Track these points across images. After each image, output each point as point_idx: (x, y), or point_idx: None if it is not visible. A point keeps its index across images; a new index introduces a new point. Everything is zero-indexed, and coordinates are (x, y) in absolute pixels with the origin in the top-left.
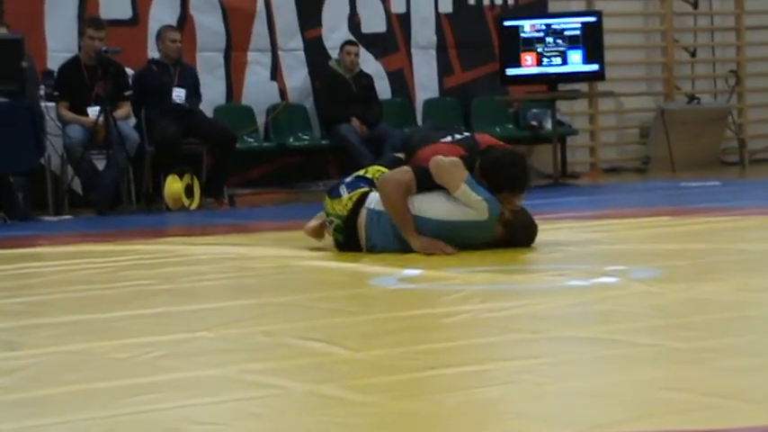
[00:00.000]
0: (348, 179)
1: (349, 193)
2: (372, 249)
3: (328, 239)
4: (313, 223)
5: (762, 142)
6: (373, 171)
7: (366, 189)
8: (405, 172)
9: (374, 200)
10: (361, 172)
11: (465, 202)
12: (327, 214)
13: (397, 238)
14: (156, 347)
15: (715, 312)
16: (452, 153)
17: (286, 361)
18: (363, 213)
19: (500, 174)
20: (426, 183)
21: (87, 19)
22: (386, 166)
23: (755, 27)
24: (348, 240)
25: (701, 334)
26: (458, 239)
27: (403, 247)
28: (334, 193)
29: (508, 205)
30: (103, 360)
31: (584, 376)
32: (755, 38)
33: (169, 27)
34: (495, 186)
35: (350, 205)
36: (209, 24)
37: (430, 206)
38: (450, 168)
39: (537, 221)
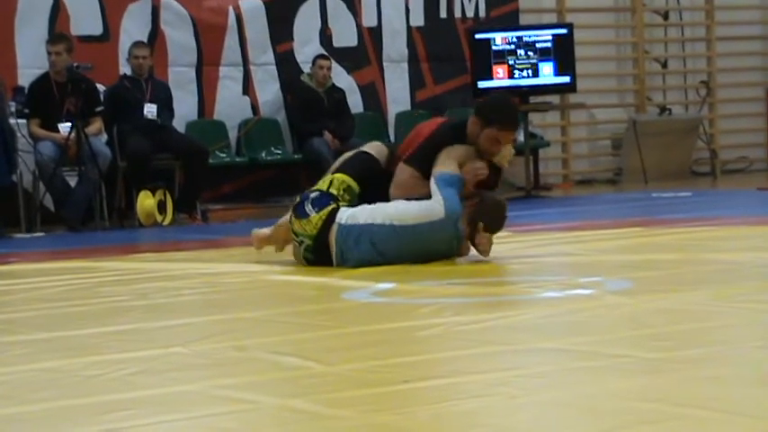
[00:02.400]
0: (312, 195)
1: (317, 212)
2: (343, 263)
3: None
4: (263, 231)
5: (733, 152)
6: (338, 184)
7: (334, 206)
8: (402, 171)
9: (344, 215)
10: (323, 186)
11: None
12: (296, 235)
13: (372, 251)
14: (128, 364)
15: (687, 323)
16: (432, 124)
17: (258, 376)
18: (334, 229)
19: (490, 106)
20: (429, 158)
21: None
22: (351, 175)
23: (726, 38)
24: (318, 258)
25: (674, 344)
26: (420, 244)
27: (377, 261)
28: (301, 213)
29: (495, 146)
30: (76, 377)
31: (558, 388)
32: (726, 48)
33: (136, 43)
34: (485, 120)
35: (320, 224)
36: (180, 39)
37: (385, 212)
38: (445, 155)
39: (510, 232)
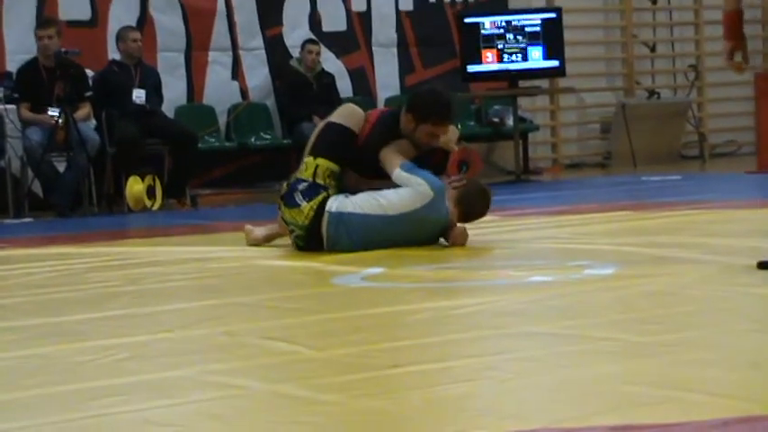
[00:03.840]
0: (301, 186)
1: (308, 201)
2: (334, 249)
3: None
4: (260, 232)
5: (721, 136)
6: (323, 173)
7: (325, 194)
8: (349, 176)
9: (334, 204)
10: (307, 174)
11: (406, 185)
12: (287, 222)
13: (365, 238)
14: (118, 350)
15: (675, 306)
16: (374, 115)
17: (248, 361)
18: (325, 218)
19: (421, 102)
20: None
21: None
22: (330, 158)
23: (714, 21)
24: (309, 246)
25: (661, 328)
26: (418, 231)
27: (368, 248)
28: (291, 203)
29: (433, 140)
30: (65, 363)
31: (546, 372)
32: (714, 32)
33: (129, 27)
34: (418, 117)
35: (311, 214)
36: (169, 24)
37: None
38: (388, 154)
39: (499, 217)
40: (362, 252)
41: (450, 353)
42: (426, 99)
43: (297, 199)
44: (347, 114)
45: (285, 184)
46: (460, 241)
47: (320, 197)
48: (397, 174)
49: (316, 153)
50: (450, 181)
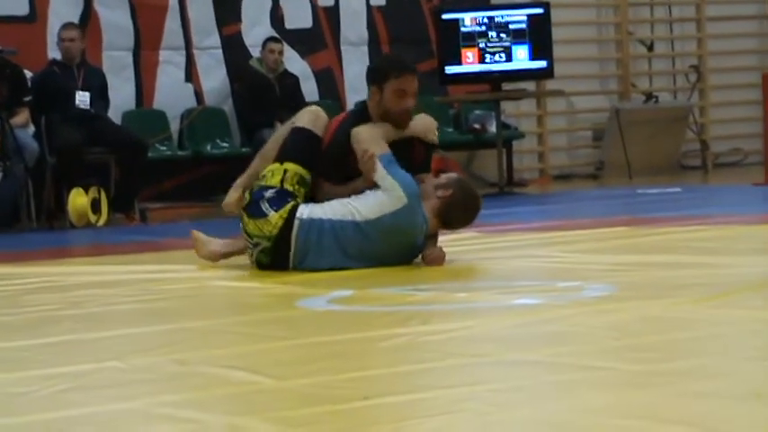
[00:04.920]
0: (268, 193)
1: (276, 210)
2: (300, 264)
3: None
4: (218, 246)
5: (725, 144)
6: (291, 178)
7: (294, 203)
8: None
9: (306, 210)
10: (275, 180)
11: (380, 184)
12: (250, 237)
13: (335, 250)
14: (60, 380)
15: (672, 332)
16: (335, 120)
17: (203, 392)
18: (295, 225)
19: (375, 67)
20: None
21: None
22: (300, 162)
23: (718, 18)
24: (274, 261)
25: (657, 356)
26: (390, 242)
27: (338, 265)
28: (257, 213)
29: (403, 99)
30: (1, 395)
31: (531, 404)
32: (718, 29)
33: (66, 25)
34: (379, 79)
35: (281, 223)
36: (115, 20)
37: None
38: (362, 134)
39: (480, 233)
40: (330, 272)
41: (424, 383)
42: (379, 62)
43: (263, 208)
44: (313, 119)
45: (247, 194)
46: (437, 263)
47: (289, 206)
48: (378, 168)
49: (283, 158)
50: (436, 185)
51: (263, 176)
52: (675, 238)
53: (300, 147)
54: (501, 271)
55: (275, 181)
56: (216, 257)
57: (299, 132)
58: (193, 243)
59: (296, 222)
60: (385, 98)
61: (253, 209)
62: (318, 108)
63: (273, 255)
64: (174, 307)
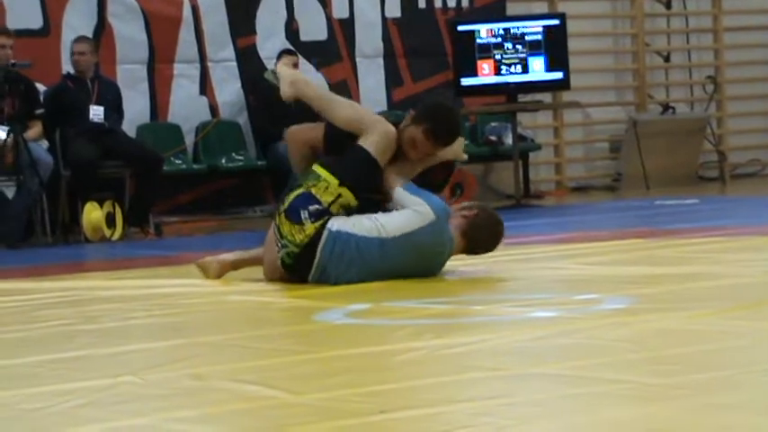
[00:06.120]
0: (312, 207)
1: (313, 222)
2: (321, 275)
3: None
4: (228, 256)
5: (743, 155)
6: (340, 205)
7: (328, 217)
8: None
9: (336, 222)
10: (327, 197)
11: (405, 206)
12: (281, 236)
13: (357, 265)
14: (74, 395)
15: (693, 345)
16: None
17: (218, 407)
18: (324, 236)
19: (429, 106)
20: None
21: None
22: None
23: (734, 28)
24: (298, 265)
25: (676, 369)
26: (416, 260)
27: (360, 277)
28: (295, 218)
29: (412, 148)
30: (15, 411)
31: (550, 417)
32: (735, 40)
33: (78, 38)
34: (416, 117)
35: (312, 233)
36: (129, 33)
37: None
38: (389, 174)
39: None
40: (347, 285)
41: (442, 397)
42: (436, 107)
43: (303, 216)
44: (384, 147)
45: (287, 203)
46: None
47: (324, 220)
48: (398, 192)
49: (343, 179)
50: (460, 207)
51: (317, 178)
52: (694, 250)
53: (364, 177)
54: (518, 284)
55: (325, 199)
56: (225, 269)
57: (367, 161)
58: (202, 272)
59: (325, 233)
60: (406, 131)
61: (292, 214)
62: (392, 130)
63: (298, 259)
64: (189, 321)
